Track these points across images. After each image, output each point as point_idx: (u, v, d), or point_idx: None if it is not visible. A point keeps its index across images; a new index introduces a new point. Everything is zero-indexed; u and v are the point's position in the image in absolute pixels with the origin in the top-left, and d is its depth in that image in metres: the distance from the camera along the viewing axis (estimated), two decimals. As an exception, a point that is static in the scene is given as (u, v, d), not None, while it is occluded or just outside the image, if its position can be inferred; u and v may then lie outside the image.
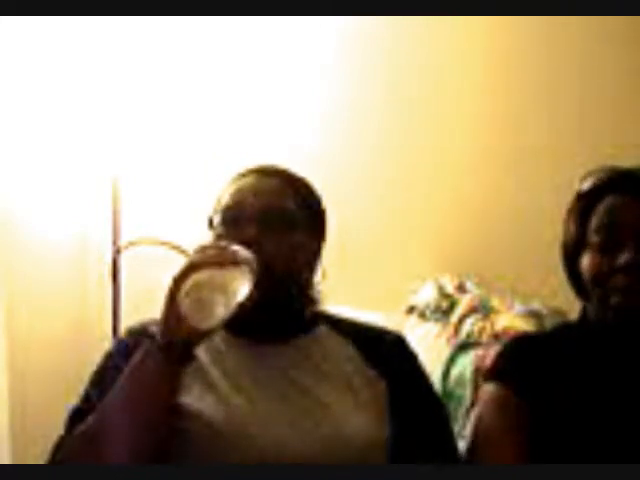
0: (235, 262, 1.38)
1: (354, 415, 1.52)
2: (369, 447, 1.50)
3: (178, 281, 1.37)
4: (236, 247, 1.41)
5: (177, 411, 1.45)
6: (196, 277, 1.36)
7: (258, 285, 1.46)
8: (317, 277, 1.64)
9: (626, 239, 1.51)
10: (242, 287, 1.38)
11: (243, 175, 1.63)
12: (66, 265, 2.83)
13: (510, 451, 1.52)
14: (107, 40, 2.63)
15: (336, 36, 2.72)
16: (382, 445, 1.53)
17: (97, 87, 2.63)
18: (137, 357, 1.42)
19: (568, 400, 1.53)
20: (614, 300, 1.51)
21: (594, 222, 1.55)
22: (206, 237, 1.61)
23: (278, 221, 1.56)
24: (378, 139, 2.70)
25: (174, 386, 1.42)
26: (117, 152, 2.66)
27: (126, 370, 1.43)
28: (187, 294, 1.35)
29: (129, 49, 2.64)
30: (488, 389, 1.60)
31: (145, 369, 1.41)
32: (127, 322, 2.64)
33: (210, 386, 1.50)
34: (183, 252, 2.56)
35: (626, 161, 1.63)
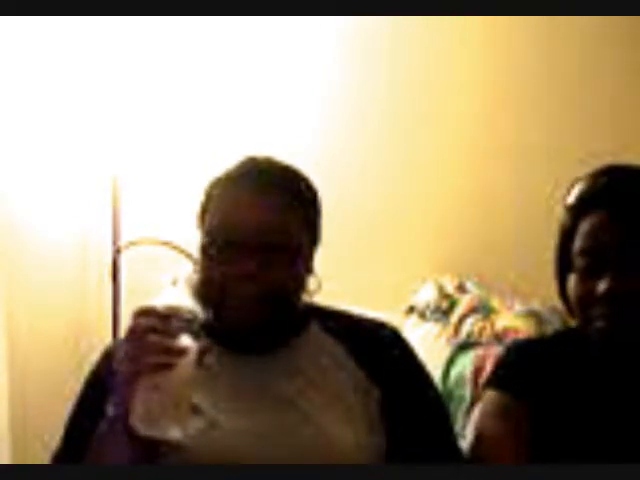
0: (181, 350, 1.31)
1: (339, 425, 1.46)
2: (358, 457, 1.45)
3: (125, 387, 1.30)
4: (178, 311, 1.33)
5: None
6: (143, 393, 1.30)
7: (253, 312, 1.43)
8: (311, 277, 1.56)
9: (606, 264, 1.47)
10: (189, 372, 1.32)
11: (235, 181, 1.50)
12: (66, 265, 2.83)
13: (511, 458, 1.50)
14: (107, 40, 2.63)
15: (336, 36, 2.72)
16: (372, 455, 1.47)
17: (97, 87, 2.63)
18: (98, 437, 1.37)
19: (569, 406, 1.53)
20: (597, 325, 1.49)
21: (576, 244, 1.51)
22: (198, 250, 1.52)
23: (280, 248, 1.45)
24: (378, 138, 2.70)
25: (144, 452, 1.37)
26: (117, 152, 2.66)
27: (90, 451, 1.38)
28: (137, 413, 1.30)
29: (129, 49, 2.63)
30: (488, 396, 1.59)
31: (107, 449, 1.36)
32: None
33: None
34: (183, 252, 2.56)
35: (626, 161, 1.62)
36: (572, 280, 1.52)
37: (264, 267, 1.44)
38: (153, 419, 1.30)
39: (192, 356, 1.33)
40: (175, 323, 1.32)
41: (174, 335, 1.32)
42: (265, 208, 1.46)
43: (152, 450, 1.38)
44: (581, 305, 1.51)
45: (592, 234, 1.50)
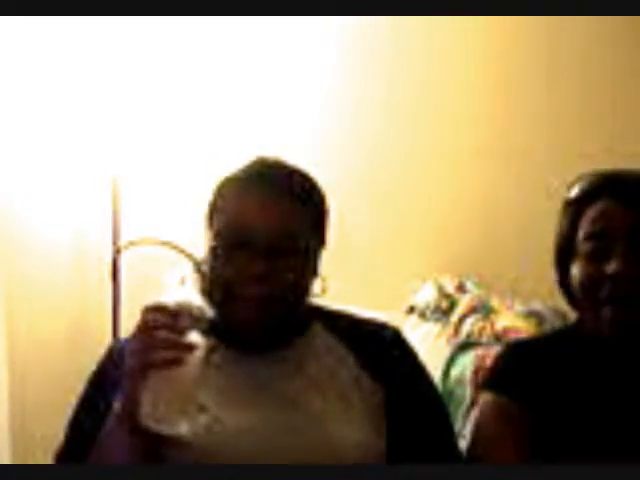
0: (189, 346, 1.32)
1: (342, 424, 1.46)
2: (360, 457, 1.45)
3: (134, 383, 1.31)
4: (187, 308, 1.34)
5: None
6: (151, 388, 1.30)
7: (260, 313, 1.43)
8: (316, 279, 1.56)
9: (614, 247, 1.48)
10: (196, 369, 1.33)
11: (242, 183, 1.50)
12: (66, 265, 2.83)
13: (510, 460, 1.50)
14: (107, 40, 2.63)
15: (336, 36, 2.73)
16: (376, 455, 1.48)
17: (97, 87, 2.63)
18: (103, 434, 1.38)
19: (566, 405, 1.53)
20: (605, 309, 1.49)
21: (583, 230, 1.53)
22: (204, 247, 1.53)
23: (289, 251, 1.46)
24: (378, 139, 2.70)
25: (145, 455, 1.37)
26: (117, 152, 2.66)
27: (95, 448, 1.39)
28: (145, 407, 1.31)
29: (129, 49, 2.63)
30: (485, 398, 1.59)
31: (113, 446, 1.37)
32: (127, 322, 2.64)
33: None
34: (183, 252, 2.56)
35: (626, 162, 1.63)
36: (576, 267, 1.53)
37: (272, 269, 1.45)
38: (161, 414, 1.31)
39: (200, 353, 1.34)
40: (184, 320, 1.33)
41: (183, 332, 1.33)
42: (274, 211, 1.47)
43: (157, 446, 1.39)
44: (587, 288, 1.51)
45: (600, 219, 1.52)
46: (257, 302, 1.45)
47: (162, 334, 1.31)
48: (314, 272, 1.54)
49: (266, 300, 1.45)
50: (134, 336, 1.35)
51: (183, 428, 1.33)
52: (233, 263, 1.46)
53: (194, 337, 1.33)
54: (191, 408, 1.34)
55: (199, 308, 1.35)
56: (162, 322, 1.32)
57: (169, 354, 1.31)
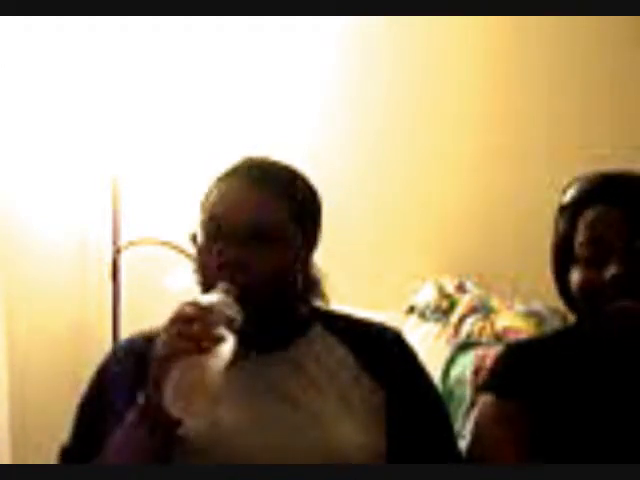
0: (219, 338, 1.33)
1: (345, 426, 1.47)
2: (360, 457, 1.45)
3: (161, 370, 1.32)
4: (219, 306, 1.36)
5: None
6: (177, 372, 1.31)
7: (246, 305, 1.42)
8: (314, 272, 1.58)
9: (612, 252, 1.48)
10: (224, 363, 1.34)
11: (228, 176, 1.53)
12: (66, 265, 2.83)
13: (510, 461, 1.50)
14: (107, 40, 2.64)
15: (337, 36, 2.73)
16: (376, 455, 1.48)
17: (97, 87, 2.63)
18: (120, 432, 1.39)
19: (567, 406, 1.53)
20: (605, 314, 1.50)
21: (579, 236, 1.52)
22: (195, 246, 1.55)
23: (265, 238, 1.46)
24: (378, 138, 2.70)
25: (162, 452, 1.39)
26: (117, 152, 2.66)
27: (111, 441, 1.40)
28: (170, 389, 1.31)
29: (129, 49, 2.64)
30: (485, 399, 1.58)
31: (130, 442, 1.38)
32: (127, 322, 2.64)
33: None
34: (183, 252, 2.56)
35: (626, 162, 1.62)
36: (575, 272, 1.52)
37: (246, 258, 1.45)
38: (182, 399, 1.31)
39: (229, 348, 1.35)
40: (216, 316, 1.35)
41: (214, 325, 1.35)
42: (252, 200, 1.48)
43: (175, 441, 1.40)
44: (587, 293, 1.50)
45: (596, 224, 1.51)
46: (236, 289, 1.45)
47: (192, 325, 1.33)
48: (300, 266, 1.53)
49: (243, 289, 1.44)
50: (165, 327, 1.36)
51: (201, 415, 1.33)
52: (210, 253, 1.48)
53: (224, 332, 1.35)
54: (212, 397, 1.35)
55: (232, 310, 1.38)
56: (194, 314, 1.34)
57: (196, 345, 1.31)
